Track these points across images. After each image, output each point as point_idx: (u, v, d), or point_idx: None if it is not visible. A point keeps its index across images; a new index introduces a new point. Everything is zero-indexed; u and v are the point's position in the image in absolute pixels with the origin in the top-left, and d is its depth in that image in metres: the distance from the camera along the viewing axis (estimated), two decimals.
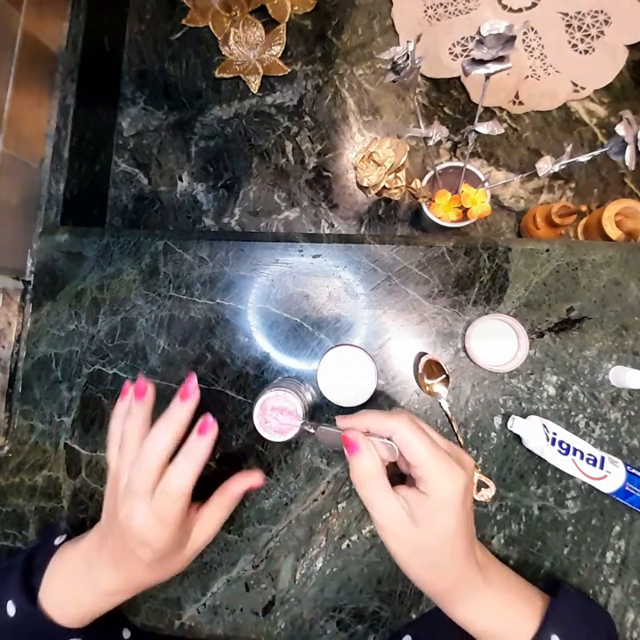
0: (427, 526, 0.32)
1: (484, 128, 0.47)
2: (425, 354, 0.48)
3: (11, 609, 0.37)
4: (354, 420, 0.35)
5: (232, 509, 0.41)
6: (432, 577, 0.34)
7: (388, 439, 0.34)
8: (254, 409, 0.40)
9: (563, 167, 0.46)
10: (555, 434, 0.44)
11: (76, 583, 0.39)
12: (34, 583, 0.39)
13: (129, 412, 0.37)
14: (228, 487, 0.41)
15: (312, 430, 0.38)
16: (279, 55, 0.73)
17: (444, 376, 0.47)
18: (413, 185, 0.51)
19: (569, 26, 0.69)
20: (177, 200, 0.73)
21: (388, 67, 0.44)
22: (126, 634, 0.45)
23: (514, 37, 0.39)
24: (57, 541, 0.43)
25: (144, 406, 0.37)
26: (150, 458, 0.34)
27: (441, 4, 0.71)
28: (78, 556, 0.40)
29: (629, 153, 0.41)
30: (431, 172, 0.59)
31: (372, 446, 0.33)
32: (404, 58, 0.42)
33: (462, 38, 0.70)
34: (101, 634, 0.41)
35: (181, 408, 0.35)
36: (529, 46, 0.69)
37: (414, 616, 0.45)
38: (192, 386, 0.36)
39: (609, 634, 0.39)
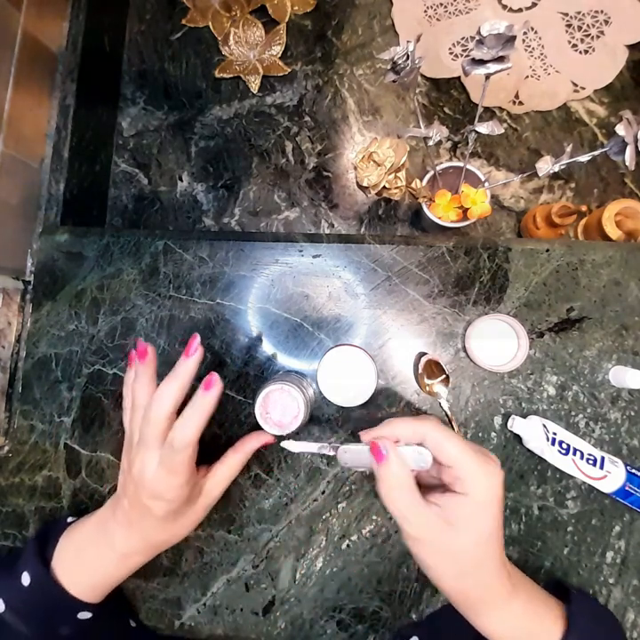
0: (465, 528, 0.31)
1: (484, 128, 0.47)
2: (425, 354, 0.48)
3: (25, 579, 0.38)
4: (381, 430, 0.34)
5: (242, 466, 0.42)
6: (466, 585, 0.33)
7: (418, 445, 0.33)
8: (257, 399, 0.41)
9: (563, 167, 0.46)
10: (555, 434, 0.44)
11: (90, 550, 0.40)
12: (47, 554, 0.40)
13: (135, 374, 0.39)
14: (244, 444, 0.42)
15: (332, 452, 0.36)
16: (279, 55, 0.73)
17: (443, 376, 0.47)
18: (413, 185, 0.51)
19: (569, 26, 0.69)
20: (177, 200, 0.73)
21: (388, 67, 0.44)
22: (133, 624, 0.46)
23: (514, 37, 0.39)
24: (69, 520, 0.44)
25: (148, 367, 0.39)
26: (158, 410, 0.36)
27: (441, 4, 0.71)
28: (91, 526, 0.41)
29: (629, 153, 0.41)
30: (431, 172, 0.59)
31: (400, 454, 0.33)
32: (404, 58, 0.42)
33: (462, 38, 0.70)
34: (109, 615, 0.42)
35: (186, 363, 0.36)
36: (529, 46, 0.69)
37: (414, 616, 0.45)
38: (195, 343, 0.37)
39: (620, 635, 0.40)
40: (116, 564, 0.39)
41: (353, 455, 0.35)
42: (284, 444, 0.39)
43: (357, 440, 0.36)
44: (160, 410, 0.36)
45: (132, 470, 0.37)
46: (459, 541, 0.31)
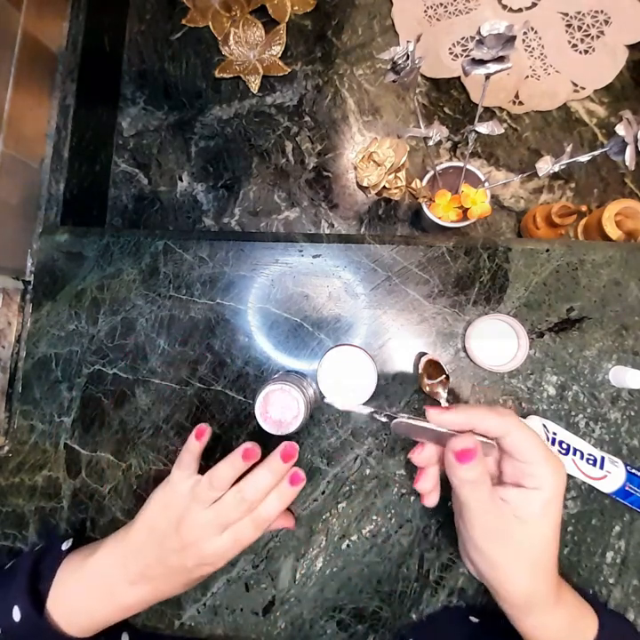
0: (537, 521, 0.32)
1: (484, 128, 0.47)
2: (425, 354, 0.48)
3: (16, 614, 0.37)
4: (458, 417, 0.33)
5: None
6: (531, 580, 0.33)
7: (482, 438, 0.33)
8: (257, 399, 0.41)
9: (563, 167, 0.46)
10: (555, 434, 0.44)
11: (91, 597, 0.38)
12: (41, 590, 0.38)
13: (232, 463, 0.38)
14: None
15: (384, 419, 0.34)
16: (279, 55, 0.73)
17: (443, 376, 0.47)
18: (413, 185, 0.51)
19: (569, 26, 0.69)
20: (177, 200, 0.73)
21: (388, 67, 0.44)
22: (125, 638, 0.44)
23: (514, 37, 0.39)
24: (64, 546, 0.43)
25: (248, 466, 0.39)
26: (253, 492, 0.37)
27: (441, 4, 0.71)
28: (94, 569, 0.39)
29: (629, 153, 0.41)
30: (431, 172, 0.59)
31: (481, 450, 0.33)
32: (404, 58, 0.42)
33: (462, 38, 0.70)
34: None
35: (283, 466, 0.38)
36: (529, 46, 0.69)
37: (414, 616, 0.45)
38: (293, 452, 0.38)
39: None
40: (120, 613, 0.39)
41: (410, 428, 0.34)
42: (330, 400, 0.37)
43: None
44: (254, 493, 0.37)
45: (187, 537, 0.37)
46: (528, 535, 0.32)
